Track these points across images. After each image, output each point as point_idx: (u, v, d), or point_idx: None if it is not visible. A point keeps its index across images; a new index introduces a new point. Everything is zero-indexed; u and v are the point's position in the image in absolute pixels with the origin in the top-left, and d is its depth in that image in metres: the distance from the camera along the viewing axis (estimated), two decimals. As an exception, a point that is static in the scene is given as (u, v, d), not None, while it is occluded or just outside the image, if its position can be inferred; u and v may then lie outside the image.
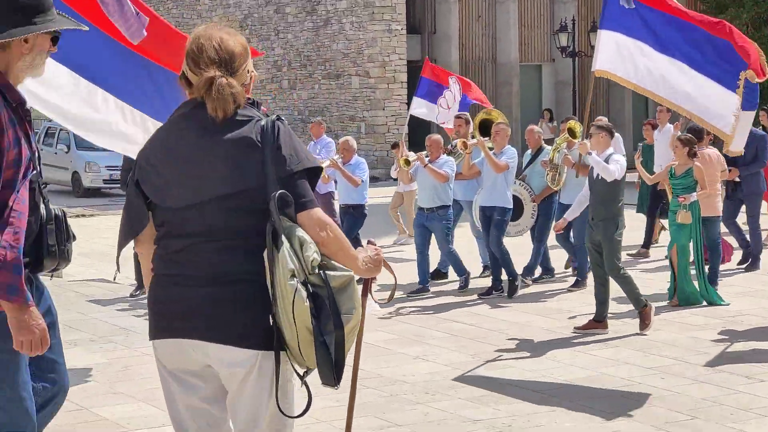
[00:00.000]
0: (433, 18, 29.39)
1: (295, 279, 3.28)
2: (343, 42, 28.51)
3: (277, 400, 3.42)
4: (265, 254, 3.35)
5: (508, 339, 9.07)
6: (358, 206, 12.56)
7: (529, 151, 12.02)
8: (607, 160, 9.26)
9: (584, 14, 30.34)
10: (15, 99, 3.78)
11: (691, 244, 10.47)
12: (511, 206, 11.13)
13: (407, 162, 12.06)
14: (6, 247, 3.54)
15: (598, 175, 9.23)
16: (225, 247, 3.41)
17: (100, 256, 13.89)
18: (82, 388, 7.17)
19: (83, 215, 21.70)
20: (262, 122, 3.46)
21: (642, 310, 9.19)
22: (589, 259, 9.77)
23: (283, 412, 3.44)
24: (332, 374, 3.33)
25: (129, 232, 3.53)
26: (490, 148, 11.19)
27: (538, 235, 11.76)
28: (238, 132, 3.44)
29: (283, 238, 3.31)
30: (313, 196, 3.47)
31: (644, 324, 9.13)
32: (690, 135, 10.77)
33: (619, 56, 9.07)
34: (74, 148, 28.20)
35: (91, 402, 6.82)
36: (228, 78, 3.43)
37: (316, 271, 3.32)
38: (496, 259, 11.09)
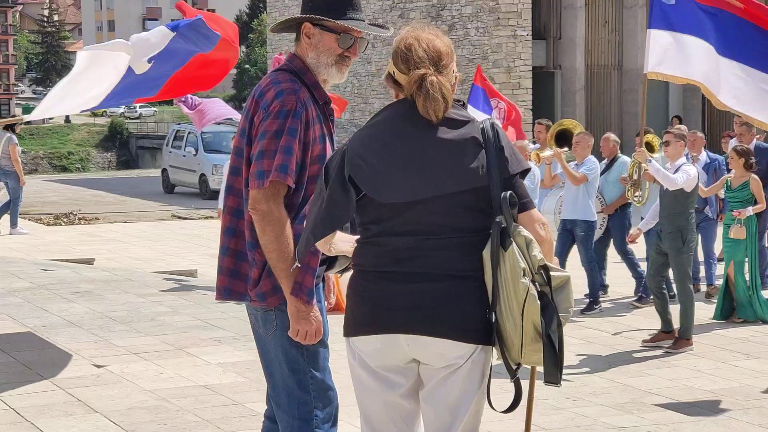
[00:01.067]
0: (559, 24, 29.24)
1: (526, 278, 3.36)
2: (468, 47, 28.55)
3: (488, 394, 3.53)
4: (485, 252, 3.43)
5: (640, 347, 9.05)
6: None
7: (604, 161, 11.51)
8: (677, 170, 9.02)
9: None
10: (321, 97, 4.00)
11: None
12: (595, 218, 10.78)
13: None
14: (313, 252, 3.80)
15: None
16: (447, 245, 3.47)
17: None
18: (234, 384, 7.38)
19: (211, 217, 22.16)
20: (481, 124, 3.54)
21: (667, 335, 8.96)
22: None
23: (492, 406, 3.54)
24: (557, 372, 3.41)
25: (330, 225, 3.55)
26: (571, 159, 10.95)
27: (620, 248, 11.27)
28: (461, 131, 3.50)
29: (512, 237, 3.40)
30: (530, 196, 3.58)
31: (652, 341, 8.97)
32: (746, 147, 10.38)
33: (669, 54, 8.85)
34: (202, 151, 28.82)
35: (244, 397, 7.02)
36: (438, 76, 3.49)
37: (539, 270, 3.41)
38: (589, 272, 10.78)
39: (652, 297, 9.40)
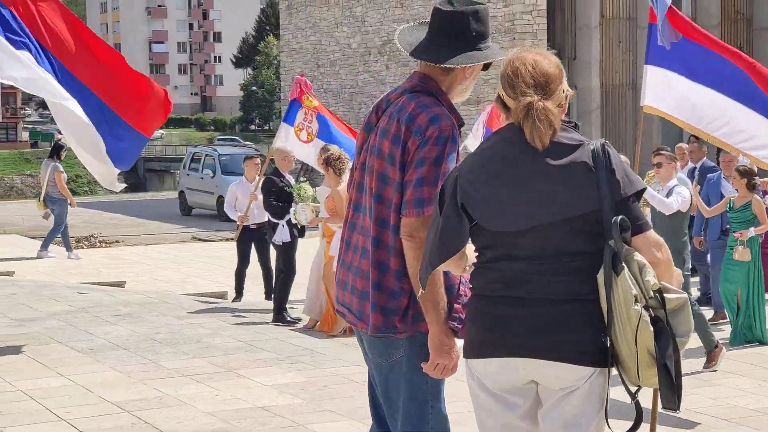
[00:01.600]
0: (574, 44, 29.35)
1: (638, 304, 3.34)
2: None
3: (606, 417, 3.51)
4: (599, 276, 3.42)
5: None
6: None
7: None
8: (670, 192, 9.04)
9: (728, 38, 29.85)
10: (458, 120, 3.97)
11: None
12: None
13: None
14: (465, 284, 3.82)
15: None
16: (561, 269, 3.47)
17: (257, 279, 13.96)
18: (291, 405, 7.40)
19: (230, 239, 22.22)
20: (591, 146, 3.52)
21: (712, 352, 8.88)
22: None
23: (610, 428, 3.54)
24: (675, 398, 3.40)
25: (445, 252, 3.54)
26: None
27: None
28: (572, 156, 3.48)
29: (623, 263, 3.37)
30: (645, 218, 3.54)
31: (710, 364, 8.86)
32: (748, 167, 10.26)
33: (665, 92, 8.85)
34: (219, 173, 28.92)
35: (304, 419, 7.03)
36: (544, 102, 3.47)
37: (654, 294, 3.38)
38: None
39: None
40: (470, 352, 3.64)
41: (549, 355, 3.46)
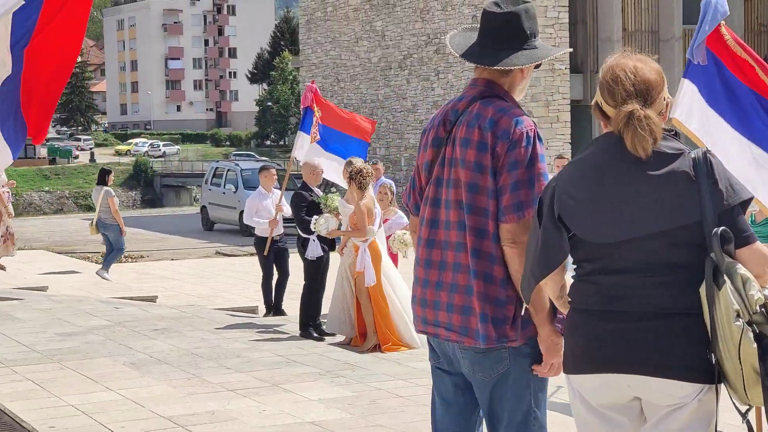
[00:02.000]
0: (596, 57, 29.32)
1: (740, 319, 3.24)
2: (505, 82, 28.68)
3: None
4: (701, 289, 3.32)
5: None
6: None
7: None
8: None
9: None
10: None
11: None
12: None
13: None
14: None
15: None
16: (663, 282, 3.38)
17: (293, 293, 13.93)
18: (340, 419, 7.37)
19: (252, 254, 22.23)
20: (693, 155, 3.41)
21: None
22: None
23: None
24: None
25: (547, 265, 3.49)
26: None
27: None
28: (672, 166, 3.39)
29: (725, 276, 3.27)
30: (751, 230, 3.43)
31: None
32: None
33: (693, 109, 8.76)
34: (241, 188, 28.97)
35: (357, 433, 7.01)
36: (645, 110, 3.38)
37: (759, 309, 3.26)
38: None
39: None
40: (571, 368, 3.56)
41: (656, 372, 3.36)
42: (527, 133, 3.83)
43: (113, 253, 17.75)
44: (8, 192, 17.08)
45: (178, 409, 7.56)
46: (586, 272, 3.53)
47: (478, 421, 4.15)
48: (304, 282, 11.74)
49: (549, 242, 3.48)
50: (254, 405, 7.77)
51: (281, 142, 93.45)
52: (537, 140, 3.85)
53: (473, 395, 4.05)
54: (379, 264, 10.81)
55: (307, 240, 11.61)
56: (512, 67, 3.95)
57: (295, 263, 12.82)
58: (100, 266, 17.73)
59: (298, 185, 12.32)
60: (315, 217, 11.33)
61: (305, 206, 11.66)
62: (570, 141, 27.63)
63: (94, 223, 17.81)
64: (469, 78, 27.90)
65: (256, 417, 7.40)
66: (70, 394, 7.97)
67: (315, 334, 11.34)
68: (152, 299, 14.61)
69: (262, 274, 13.36)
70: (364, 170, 10.77)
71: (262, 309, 13.75)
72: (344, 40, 35.54)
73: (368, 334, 10.86)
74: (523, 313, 3.84)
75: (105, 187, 17.63)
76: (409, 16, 32.31)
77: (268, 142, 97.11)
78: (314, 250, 11.66)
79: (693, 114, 8.65)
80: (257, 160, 52.94)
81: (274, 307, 13.05)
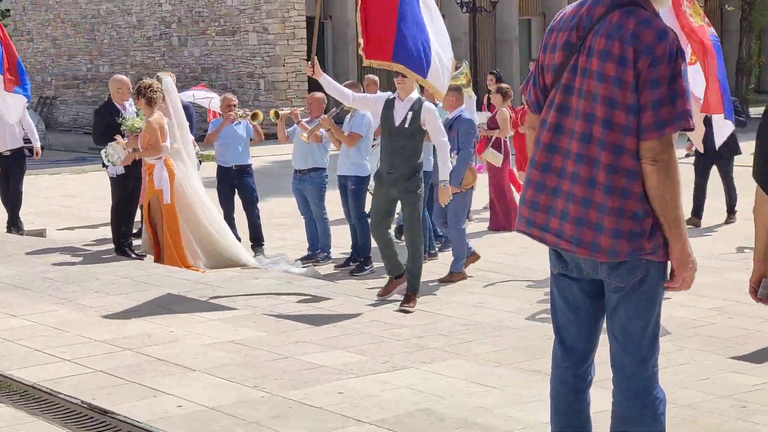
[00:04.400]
0: (330, -26, 29.49)
1: None
2: (238, -3, 28.31)
3: None
4: None
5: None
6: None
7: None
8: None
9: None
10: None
11: None
12: (366, 174, 10.62)
13: (277, 114, 11.28)
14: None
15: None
16: None
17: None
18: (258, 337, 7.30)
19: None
20: None
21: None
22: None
23: None
24: None
25: None
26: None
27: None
28: None
29: None
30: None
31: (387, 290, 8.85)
32: None
33: None
34: None
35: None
36: None
37: None
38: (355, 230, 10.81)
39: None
40: None
41: None
42: (670, 47, 3.74)
43: None
44: None
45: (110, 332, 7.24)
46: None
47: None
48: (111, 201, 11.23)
49: None
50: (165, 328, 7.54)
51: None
52: (680, 56, 3.76)
53: (602, 302, 4.05)
54: (173, 182, 10.47)
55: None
56: None
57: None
58: None
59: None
60: (102, 151, 10.76)
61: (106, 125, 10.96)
62: (306, 58, 27.67)
63: None
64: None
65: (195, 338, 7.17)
66: None
67: (133, 255, 10.98)
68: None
69: None
70: (154, 85, 10.44)
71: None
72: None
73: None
74: (662, 235, 3.83)
75: None
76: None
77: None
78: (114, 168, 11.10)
79: None
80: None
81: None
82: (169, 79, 11.00)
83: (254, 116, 11.75)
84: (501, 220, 12.68)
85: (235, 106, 11.78)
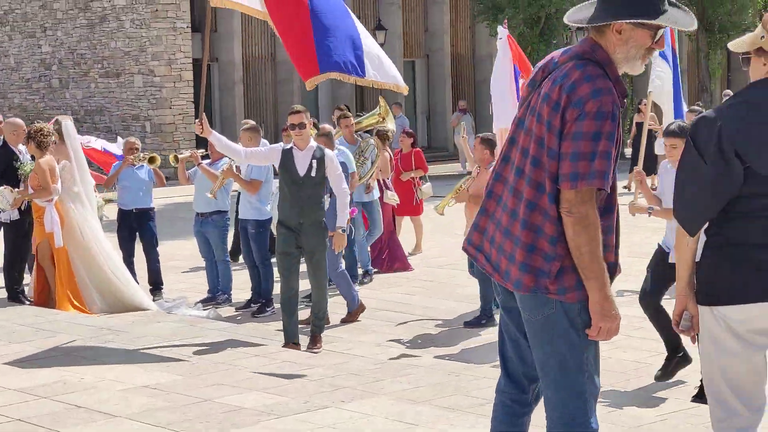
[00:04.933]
0: (215, 16, 29.50)
1: None
2: (123, 40, 28.09)
3: None
4: None
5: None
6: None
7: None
8: None
9: (366, 15, 31.13)
10: (622, 92, 3.89)
11: None
12: (266, 217, 10.70)
13: (176, 158, 11.36)
14: (612, 250, 3.96)
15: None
16: None
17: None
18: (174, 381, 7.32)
19: None
20: None
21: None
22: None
23: None
24: None
25: (721, 197, 3.79)
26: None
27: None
28: None
29: None
30: None
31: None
32: None
33: None
34: None
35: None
36: None
37: None
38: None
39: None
40: (724, 299, 3.86)
41: None
42: (601, 108, 3.77)
43: None
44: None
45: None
46: (753, 207, 3.82)
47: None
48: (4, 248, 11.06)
49: (720, 176, 3.78)
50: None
51: None
52: (609, 119, 3.78)
53: None
54: (65, 224, 10.33)
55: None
56: (595, 24, 3.89)
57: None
58: None
59: None
60: None
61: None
62: (193, 101, 27.61)
63: None
64: (81, 35, 26.89)
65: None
66: None
67: (27, 302, 10.82)
68: None
69: None
70: (44, 129, 10.40)
71: None
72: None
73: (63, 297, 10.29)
74: (574, 278, 3.88)
75: None
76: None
77: None
78: (8, 213, 11.01)
79: None
80: None
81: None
82: (69, 123, 10.94)
83: (151, 160, 11.73)
84: (398, 261, 12.95)
85: (137, 149, 11.75)
